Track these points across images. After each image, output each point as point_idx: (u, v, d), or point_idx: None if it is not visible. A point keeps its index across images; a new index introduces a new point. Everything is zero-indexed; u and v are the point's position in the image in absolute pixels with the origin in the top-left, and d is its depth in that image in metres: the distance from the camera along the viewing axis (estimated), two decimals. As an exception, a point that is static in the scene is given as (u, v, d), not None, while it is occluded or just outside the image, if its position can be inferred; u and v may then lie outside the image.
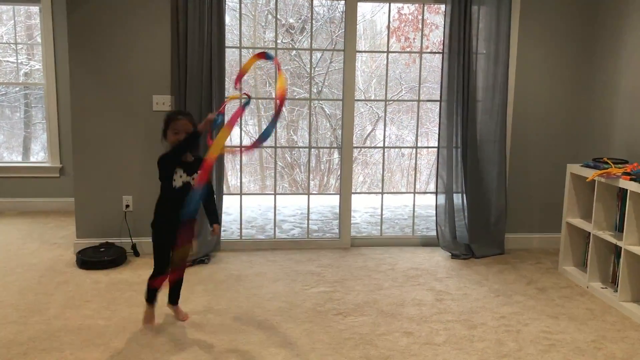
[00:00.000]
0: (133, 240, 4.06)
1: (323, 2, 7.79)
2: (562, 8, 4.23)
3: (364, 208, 6.03)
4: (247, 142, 8.21)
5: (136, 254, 4.06)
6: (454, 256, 4.20)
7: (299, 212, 5.78)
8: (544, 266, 4.06)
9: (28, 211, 5.41)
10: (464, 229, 4.27)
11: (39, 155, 6.81)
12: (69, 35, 3.90)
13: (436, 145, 4.28)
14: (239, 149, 2.70)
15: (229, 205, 4.63)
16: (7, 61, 6.09)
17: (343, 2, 4.18)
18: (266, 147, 8.34)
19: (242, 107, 2.73)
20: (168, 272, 2.80)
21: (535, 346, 2.79)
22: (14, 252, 4.13)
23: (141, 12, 3.91)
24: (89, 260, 3.79)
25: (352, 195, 4.41)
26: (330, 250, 4.32)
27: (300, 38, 8.29)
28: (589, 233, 3.59)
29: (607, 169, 3.41)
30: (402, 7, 8.25)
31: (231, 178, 8.33)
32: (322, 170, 9.06)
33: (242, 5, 4.29)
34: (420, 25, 5.96)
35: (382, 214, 4.83)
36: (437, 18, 7.68)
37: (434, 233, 4.41)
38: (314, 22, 7.25)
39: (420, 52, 4.54)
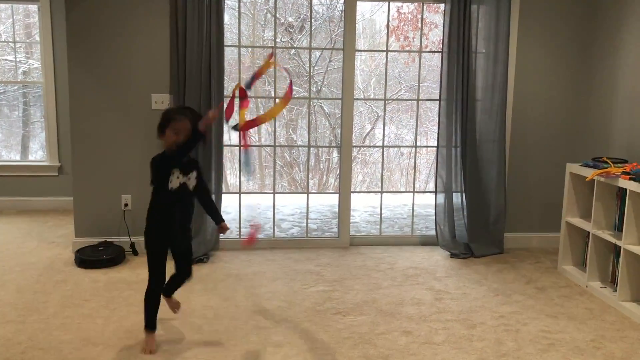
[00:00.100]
0: (132, 239, 4.05)
1: (322, 0, 7.78)
2: (561, 8, 4.22)
3: (363, 207, 6.02)
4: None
5: (135, 252, 4.05)
6: (453, 255, 4.20)
7: (298, 211, 5.77)
8: (543, 265, 4.06)
9: (26, 210, 5.40)
10: (463, 228, 4.27)
11: (38, 153, 6.79)
12: (67, 33, 3.89)
13: (435, 144, 4.28)
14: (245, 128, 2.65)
15: (228, 204, 4.62)
16: (6, 60, 6.08)
17: (342, 0, 4.18)
18: (265, 146, 8.36)
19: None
20: (186, 275, 2.79)
21: (535, 345, 2.79)
22: (12, 251, 4.12)
23: (140, 11, 3.91)
24: (87, 259, 3.78)
25: (352, 195, 4.41)
26: (330, 250, 4.32)
27: (299, 37, 8.28)
28: (589, 232, 3.59)
29: (606, 168, 3.41)
30: (402, 6, 8.24)
31: (230, 177, 8.32)
32: (322, 169, 9.05)
33: (241, 3, 4.28)
34: (419, 24, 5.95)
35: (381, 213, 4.83)
36: (436, 17, 7.67)
37: (433, 232, 4.41)
38: (313, 20, 7.25)
39: (420, 51, 4.53)
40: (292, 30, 8.36)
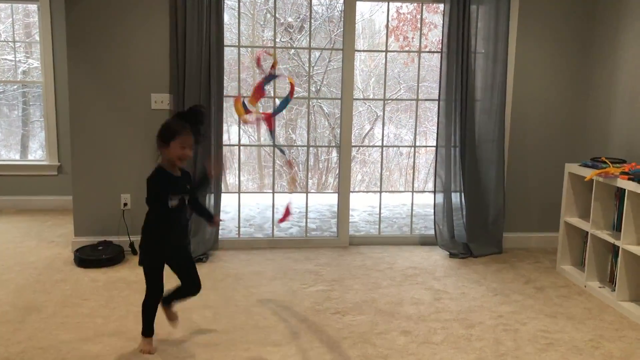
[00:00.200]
0: (131, 239, 4.05)
1: (322, 0, 7.79)
2: (561, 8, 4.23)
3: (362, 207, 6.03)
4: (245, 140, 8.21)
5: (134, 252, 4.05)
6: (452, 255, 4.21)
7: (297, 211, 5.77)
8: (542, 265, 4.07)
9: (26, 209, 5.40)
10: (462, 228, 4.27)
11: (37, 153, 6.79)
12: (67, 33, 3.89)
13: (434, 144, 4.29)
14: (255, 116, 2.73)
15: (227, 204, 4.62)
16: (5, 59, 6.07)
17: (342, 1, 4.18)
18: (264, 145, 8.36)
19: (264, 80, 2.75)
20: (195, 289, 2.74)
21: (533, 345, 2.80)
22: (12, 250, 4.13)
23: (140, 10, 3.91)
24: (86, 258, 3.78)
25: (351, 194, 4.42)
26: (329, 249, 4.32)
27: (299, 37, 8.29)
28: (587, 232, 3.60)
29: (605, 168, 3.42)
30: (401, 6, 8.24)
31: (229, 176, 8.31)
32: (321, 169, 9.06)
33: (241, 3, 4.29)
34: (419, 25, 5.96)
35: (380, 213, 4.83)
36: (435, 17, 7.67)
37: (432, 232, 4.41)
38: (312, 20, 7.25)
39: (419, 52, 4.54)
40: (291, 30, 8.36)
